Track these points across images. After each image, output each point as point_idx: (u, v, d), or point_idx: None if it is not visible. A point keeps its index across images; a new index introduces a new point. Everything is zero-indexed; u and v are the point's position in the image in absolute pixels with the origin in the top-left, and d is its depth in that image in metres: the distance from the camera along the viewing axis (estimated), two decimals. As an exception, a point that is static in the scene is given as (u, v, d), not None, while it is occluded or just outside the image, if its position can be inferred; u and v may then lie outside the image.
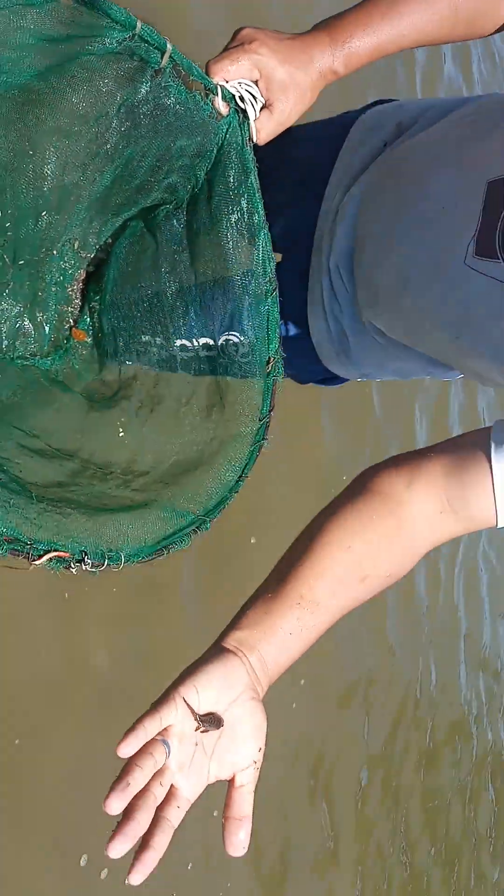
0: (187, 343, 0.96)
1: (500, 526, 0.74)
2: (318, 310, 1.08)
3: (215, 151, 0.84)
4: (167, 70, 0.74)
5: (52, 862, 1.46)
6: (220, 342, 0.90)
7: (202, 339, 0.95)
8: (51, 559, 0.63)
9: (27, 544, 0.62)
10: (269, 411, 0.85)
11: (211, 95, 0.78)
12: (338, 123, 1.07)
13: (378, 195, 0.97)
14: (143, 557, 0.70)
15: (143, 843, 0.56)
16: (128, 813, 0.56)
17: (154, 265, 0.97)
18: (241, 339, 0.85)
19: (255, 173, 0.83)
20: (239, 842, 0.60)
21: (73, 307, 1.15)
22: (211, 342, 0.92)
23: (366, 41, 0.80)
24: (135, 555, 0.69)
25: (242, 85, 0.80)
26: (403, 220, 0.91)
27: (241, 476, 0.82)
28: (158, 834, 0.57)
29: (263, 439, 0.84)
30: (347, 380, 1.19)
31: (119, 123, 0.80)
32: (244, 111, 0.81)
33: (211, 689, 0.62)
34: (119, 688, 1.60)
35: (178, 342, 0.95)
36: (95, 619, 1.60)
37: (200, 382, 0.92)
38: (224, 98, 0.79)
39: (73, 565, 0.64)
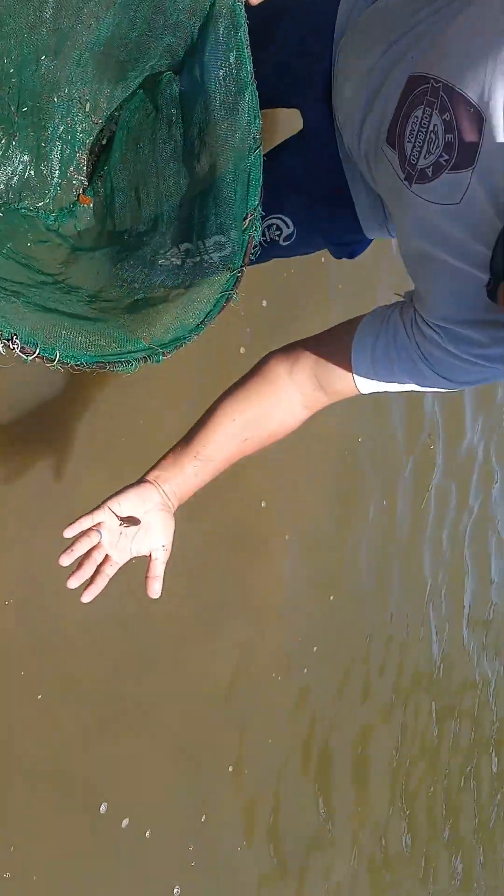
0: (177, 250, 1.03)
1: (363, 392, 0.99)
2: (357, 186, 1.12)
3: (208, 8, 0.87)
4: None
5: (73, 811, 1.52)
6: (199, 200, 0.96)
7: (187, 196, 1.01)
8: None
9: None
10: (242, 265, 0.90)
11: None
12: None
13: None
14: (80, 363, 0.76)
15: (90, 582, 0.90)
16: (78, 566, 0.90)
17: (153, 130, 1.02)
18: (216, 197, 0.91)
19: (245, 29, 0.86)
20: (154, 591, 0.94)
21: (84, 176, 1.21)
22: (195, 198, 0.97)
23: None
24: (71, 357, 0.75)
25: None
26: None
27: (202, 321, 0.88)
28: (99, 578, 0.91)
29: (232, 290, 0.89)
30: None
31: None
32: (237, -36, 0.84)
33: (130, 502, 0.93)
34: (121, 650, 1.63)
35: (169, 203, 1.01)
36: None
37: (181, 238, 0.97)
38: None
39: (1, 343, 0.70)
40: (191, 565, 1.80)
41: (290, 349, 1.02)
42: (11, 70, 0.94)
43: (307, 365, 0.99)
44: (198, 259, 0.93)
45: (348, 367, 0.96)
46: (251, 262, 0.93)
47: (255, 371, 1.02)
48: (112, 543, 0.91)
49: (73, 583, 0.88)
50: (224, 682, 1.92)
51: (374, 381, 0.98)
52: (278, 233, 1.17)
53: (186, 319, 0.88)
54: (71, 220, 1.18)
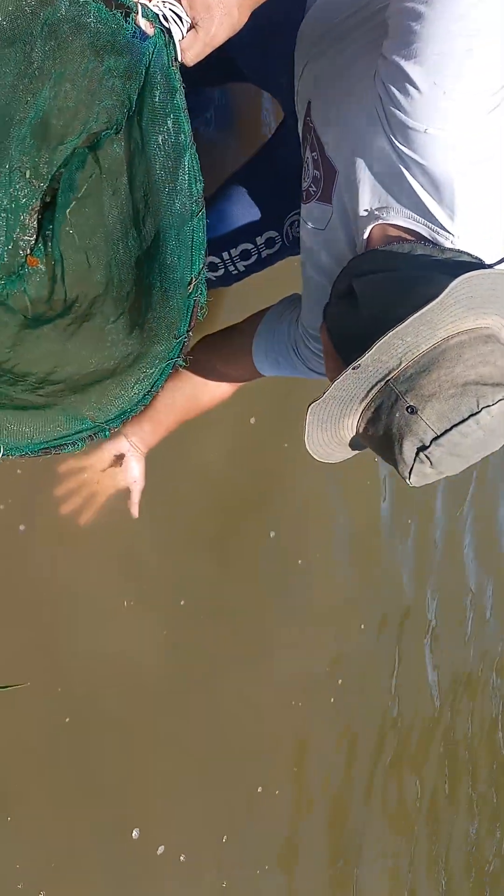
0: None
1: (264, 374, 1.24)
2: None
3: (143, 73, 0.88)
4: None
5: (106, 837, 1.53)
6: (146, 266, 0.97)
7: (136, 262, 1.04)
8: None
9: None
10: (187, 331, 0.90)
11: (132, 14, 0.82)
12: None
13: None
14: (28, 452, 0.76)
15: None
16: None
17: (98, 191, 1.02)
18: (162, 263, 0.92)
19: (182, 93, 0.87)
20: (134, 513, 1.28)
21: (29, 236, 1.21)
22: (142, 264, 0.98)
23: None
24: (16, 449, 0.75)
25: (166, 4, 0.83)
26: None
27: (149, 391, 0.87)
28: (90, 506, 1.25)
29: (177, 357, 0.88)
30: None
31: (43, 43, 0.85)
32: (168, 31, 0.84)
33: (108, 452, 1.27)
34: (151, 677, 1.65)
35: (116, 266, 1.01)
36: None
37: (131, 304, 0.97)
38: (146, 17, 0.82)
39: None
40: (209, 595, 1.78)
41: (209, 338, 1.30)
42: None
43: (220, 353, 1.26)
44: (145, 327, 0.92)
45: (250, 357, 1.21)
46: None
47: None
48: (98, 481, 1.24)
49: (66, 509, 1.22)
50: (252, 709, 1.94)
51: (269, 369, 1.21)
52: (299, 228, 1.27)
53: (132, 391, 0.87)
54: (20, 285, 1.17)
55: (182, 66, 0.87)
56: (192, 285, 0.90)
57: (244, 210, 1.32)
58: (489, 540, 3.30)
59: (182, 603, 1.73)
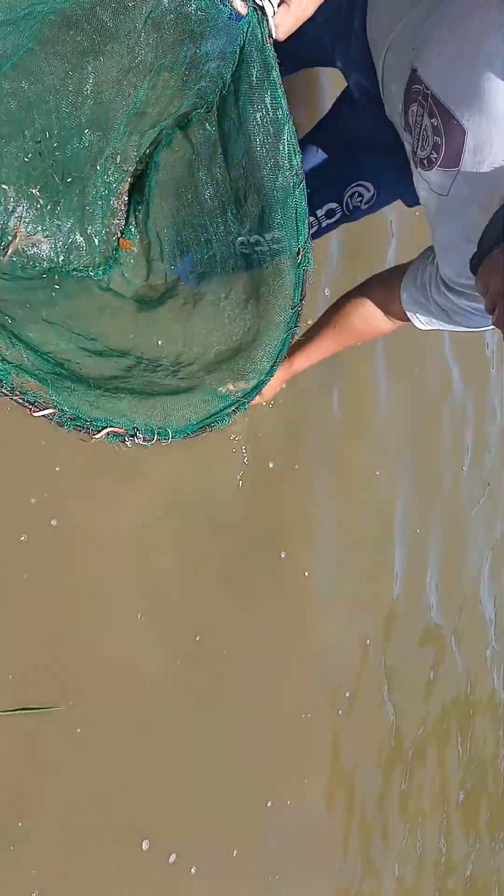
0: (225, 242, 1.11)
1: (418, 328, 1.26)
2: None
3: (238, 52, 0.92)
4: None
5: (117, 849, 1.56)
6: (251, 240, 1.01)
7: (239, 237, 1.08)
8: (108, 433, 0.77)
9: (87, 421, 0.76)
10: (301, 300, 0.95)
11: (229, -3, 0.85)
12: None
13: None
14: (189, 433, 0.84)
15: None
16: None
17: (191, 169, 1.07)
18: (269, 236, 0.97)
19: (277, 69, 0.91)
20: None
21: (119, 219, 1.27)
22: (246, 240, 1.03)
23: None
24: (181, 431, 0.83)
25: None
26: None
27: (274, 362, 0.94)
28: None
29: (295, 326, 0.94)
30: None
31: (147, 36, 0.89)
32: (262, 8, 0.88)
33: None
34: (163, 691, 1.68)
35: (218, 242, 1.06)
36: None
37: (237, 279, 1.02)
38: (242, -4, 0.86)
39: (127, 439, 0.78)
40: (219, 616, 1.84)
41: (363, 285, 1.33)
42: (55, 144, 1.00)
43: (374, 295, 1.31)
44: (259, 301, 0.98)
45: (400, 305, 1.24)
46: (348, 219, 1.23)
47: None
48: None
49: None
50: (262, 723, 1.98)
51: (419, 318, 1.23)
52: (360, 198, 1.34)
53: (261, 364, 0.93)
54: (117, 268, 1.23)
55: (274, 42, 0.91)
56: (300, 255, 0.95)
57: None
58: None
59: (194, 624, 1.74)
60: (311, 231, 1.36)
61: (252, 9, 0.88)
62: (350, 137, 1.30)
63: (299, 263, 0.95)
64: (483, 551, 3.23)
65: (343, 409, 2.35)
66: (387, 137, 1.15)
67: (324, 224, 1.40)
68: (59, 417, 0.76)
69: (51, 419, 0.76)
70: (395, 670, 2.55)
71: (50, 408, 0.75)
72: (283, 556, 2.06)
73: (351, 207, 1.37)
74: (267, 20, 0.89)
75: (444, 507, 2.91)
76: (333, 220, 1.40)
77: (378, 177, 1.32)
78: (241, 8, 0.88)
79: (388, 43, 1.01)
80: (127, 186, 1.24)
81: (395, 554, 2.59)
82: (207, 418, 0.88)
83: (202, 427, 0.87)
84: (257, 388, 0.93)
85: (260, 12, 0.89)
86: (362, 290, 1.33)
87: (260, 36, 0.90)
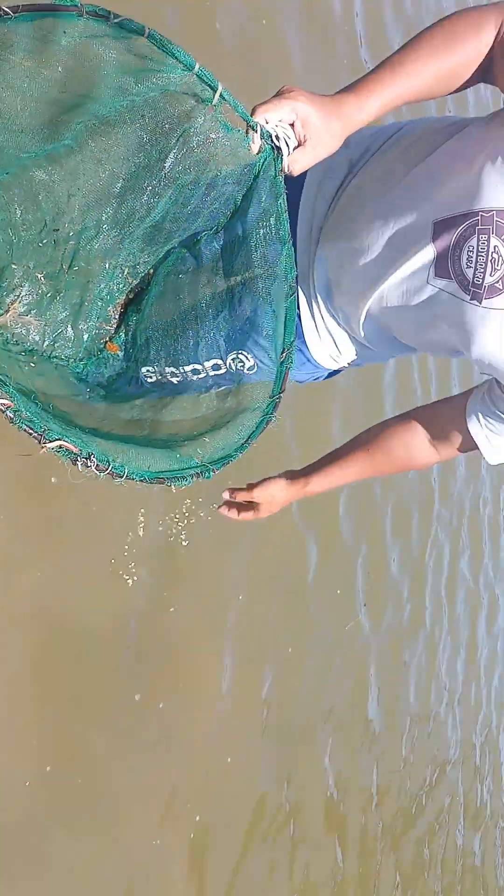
0: (218, 362, 1.18)
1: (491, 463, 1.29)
2: (313, 335, 1.31)
3: (252, 179, 1.05)
4: (218, 107, 0.97)
5: None
6: (228, 361, 1.10)
7: (231, 354, 1.16)
8: (60, 447, 0.77)
9: (42, 428, 0.76)
10: (280, 392, 1.01)
11: (251, 132, 1.00)
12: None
13: (337, 242, 1.21)
14: (146, 478, 0.85)
15: None
16: None
17: (192, 279, 1.17)
18: (248, 356, 1.05)
19: (284, 197, 1.04)
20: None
21: (111, 326, 1.35)
22: (236, 355, 1.12)
23: (382, 97, 1.04)
24: (138, 473, 0.84)
25: (279, 126, 1.02)
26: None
27: (247, 440, 0.97)
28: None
29: (272, 414, 0.99)
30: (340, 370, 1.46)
31: (177, 152, 1.02)
32: (279, 148, 1.03)
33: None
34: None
35: (203, 363, 1.15)
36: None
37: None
38: (262, 136, 1.01)
39: (79, 461, 0.78)
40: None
41: (407, 413, 1.38)
42: (70, 233, 1.10)
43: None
44: (240, 391, 1.04)
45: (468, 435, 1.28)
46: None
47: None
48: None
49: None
50: (115, 850, 1.93)
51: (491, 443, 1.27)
52: (241, 364, 1.30)
53: (233, 440, 0.96)
54: (99, 368, 1.29)
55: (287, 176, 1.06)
56: (284, 354, 1.02)
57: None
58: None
59: (45, 752, 1.72)
60: (199, 377, 1.31)
61: (269, 146, 1.03)
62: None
63: (282, 361, 1.03)
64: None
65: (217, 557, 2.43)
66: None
67: (210, 374, 1.33)
68: (14, 413, 0.75)
69: (3, 411, 0.75)
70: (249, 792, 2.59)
71: (5, 399, 0.75)
72: (137, 698, 2.06)
73: (234, 370, 1.32)
74: (282, 157, 1.04)
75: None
76: (219, 373, 1.34)
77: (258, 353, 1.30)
78: (254, 146, 1.03)
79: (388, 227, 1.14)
80: (124, 299, 1.34)
81: (261, 694, 2.57)
82: (168, 471, 0.89)
83: (159, 477, 0.88)
84: (224, 461, 0.96)
85: (276, 150, 1.04)
86: (407, 416, 1.36)
87: (274, 169, 1.04)
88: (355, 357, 1.37)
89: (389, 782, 3.49)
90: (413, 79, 1.05)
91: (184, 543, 2.23)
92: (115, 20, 0.88)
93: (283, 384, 1.02)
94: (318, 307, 1.29)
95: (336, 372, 1.45)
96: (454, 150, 1.10)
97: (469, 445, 1.31)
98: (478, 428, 1.27)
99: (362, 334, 1.28)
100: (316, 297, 1.29)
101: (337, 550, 3.16)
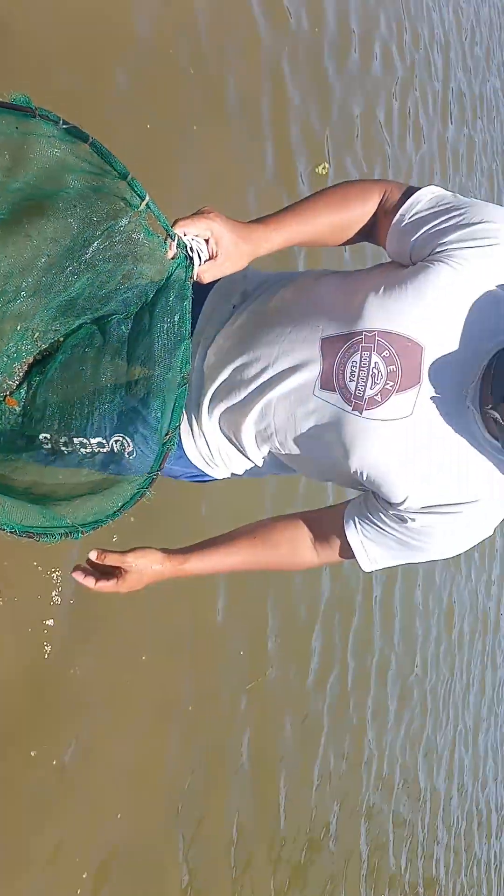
0: (103, 441, 1.27)
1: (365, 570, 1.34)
2: (189, 441, 1.42)
3: (164, 280, 1.19)
4: (143, 213, 1.10)
5: None
6: (111, 442, 1.20)
7: (115, 436, 1.25)
8: None
9: None
10: (158, 469, 1.11)
11: (169, 240, 1.14)
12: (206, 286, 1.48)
13: (230, 353, 1.36)
14: (14, 531, 0.92)
15: None
16: None
17: (97, 355, 1.27)
18: (129, 441, 1.15)
19: (190, 300, 1.17)
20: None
21: (14, 381, 1.43)
22: (119, 438, 1.22)
23: (284, 234, 1.21)
24: (7, 524, 0.91)
25: (195, 240, 1.17)
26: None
27: (120, 509, 1.06)
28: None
29: (147, 488, 1.09)
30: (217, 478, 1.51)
31: (100, 243, 1.15)
32: (191, 258, 1.17)
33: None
34: None
35: (90, 438, 1.24)
36: None
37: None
38: (178, 245, 1.15)
39: None
40: None
41: (295, 514, 1.41)
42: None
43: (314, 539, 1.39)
44: (121, 461, 1.13)
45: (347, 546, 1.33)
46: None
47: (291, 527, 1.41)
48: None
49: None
50: None
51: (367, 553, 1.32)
52: (122, 447, 1.35)
53: (106, 507, 1.05)
54: (-6, 416, 1.36)
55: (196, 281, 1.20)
56: (168, 436, 1.13)
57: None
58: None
59: None
60: (85, 450, 1.33)
61: (183, 254, 1.17)
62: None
63: (164, 442, 1.14)
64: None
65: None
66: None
67: (95, 450, 1.36)
68: None
69: None
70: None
71: None
72: (33, 754, 2.04)
73: (115, 451, 1.35)
74: (193, 266, 1.18)
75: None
76: (104, 451, 1.37)
77: (139, 441, 1.31)
78: (170, 253, 1.16)
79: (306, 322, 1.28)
80: (31, 359, 1.42)
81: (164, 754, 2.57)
82: (38, 527, 0.96)
83: (29, 531, 0.94)
84: (95, 524, 1.03)
85: (189, 259, 1.18)
86: (293, 516, 1.39)
87: (184, 275, 1.18)
88: (231, 468, 1.45)
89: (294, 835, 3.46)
90: (309, 226, 1.23)
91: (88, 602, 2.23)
92: (64, 126, 1.01)
93: (161, 463, 1.13)
94: (200, 409, 1.38)
95: (210, 478, 1.52)
96: (341, 284, 1.28)
97: (349, 552, 1.34)
98: (353, 533, 1.31)
99: (244, 444, 1.37)
100: (200, 400, 1.38)
101: (245, 609, 3.21)
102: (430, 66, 5.37)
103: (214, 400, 1.36)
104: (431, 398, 1.14)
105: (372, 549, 1.31)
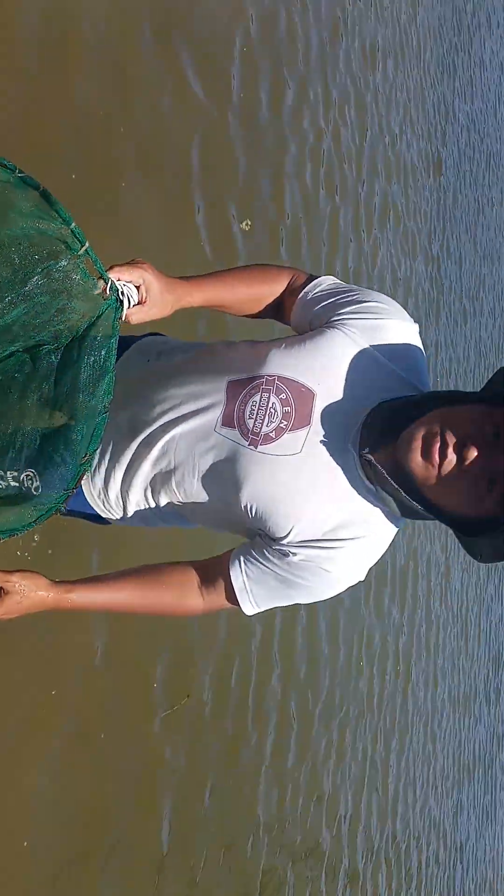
0: (15, 473, 1.35)
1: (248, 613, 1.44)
2: (86, 482, 1.53)
3: (96, 318, 1.31)
4: (81, 257, 1.24)
5: None
6: (22, 476, 1.29)
7: (27, 471, 1.34)
8: None
9: None
10: (74, 486, 1.21)
11: (103, 282, 1.28)
12: (128, 341, 1.63)
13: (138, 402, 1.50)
14: None
15: None
16: None
17: (25, 380, 1.37)
18: (37, 477, 1.25)
19: (117, 337, 1.30)
20: None
21: None
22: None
23: (203, 295, 1.38)
24: None
25: (126, 286, 1.31)
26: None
27: (35, 520, 1.16)
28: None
29: (62, 504, 1.19)
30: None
31: (38, 279, 1.27)
32: (121, 301, 1.31)
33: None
34: None
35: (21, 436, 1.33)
36: None
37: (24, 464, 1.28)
38: (111, 288, 1.29)
39: None
40: None
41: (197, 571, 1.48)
42: None
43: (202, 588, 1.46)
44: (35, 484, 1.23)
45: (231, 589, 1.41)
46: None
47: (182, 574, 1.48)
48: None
49: None
50: None
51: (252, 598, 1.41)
52: (31, 482, 1.40)
53: (24, 518, 1.14)
54: None
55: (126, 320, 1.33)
56: (85, 458, 1.24)
57: None
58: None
59: None
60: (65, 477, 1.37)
61: (114, 297, 1.31)
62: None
63: (82, 464, 1.24)
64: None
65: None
66: None
67: (11, 483, 1.39)
68: None
69: None
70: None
71: None
72: None
73: (24, 487, 1.38)
74: (122, 308, 1.32)
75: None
76: (16, 485, 1.42)
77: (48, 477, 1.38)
78: (104, 294, 1.30)
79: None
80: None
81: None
82: None
83: None
84: (12, 532, 1.12)
85: (119, 302, 1.32)
86: (184, 562, 1.47)
87: (114, 315, 1.31)
88: (126, 512, 1.55)
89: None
90: (227, 293, 1.43)
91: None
92: (20, 174, 1.14)
93: (77, 481, 1.23)
94: (106, 449, 1.51)
95: (105, 521, 1.62)
96: (250, 346, 1.48)
97: (234, 597, 1.41)
98: (237, 573, 1.40)
99: (142, 485, 1.49)
100: (109, 439, 1.50)
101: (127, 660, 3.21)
102: (349, 130, 5.81)
103: (123, 435, 1.48)
104: (319, 440, 1.31)
105: (254, 588, 1.40)
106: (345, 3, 5.79)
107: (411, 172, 7.40)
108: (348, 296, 1.39)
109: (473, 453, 1.15)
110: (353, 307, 1.37)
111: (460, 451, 1.16)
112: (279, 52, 4.68)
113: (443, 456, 1.17)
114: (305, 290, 1.45)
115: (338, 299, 1.40)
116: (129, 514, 1.53)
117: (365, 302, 1.37)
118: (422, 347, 1.37)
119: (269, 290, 1.49)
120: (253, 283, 1.49)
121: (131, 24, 3.33)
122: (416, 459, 1.19)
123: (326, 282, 1.46)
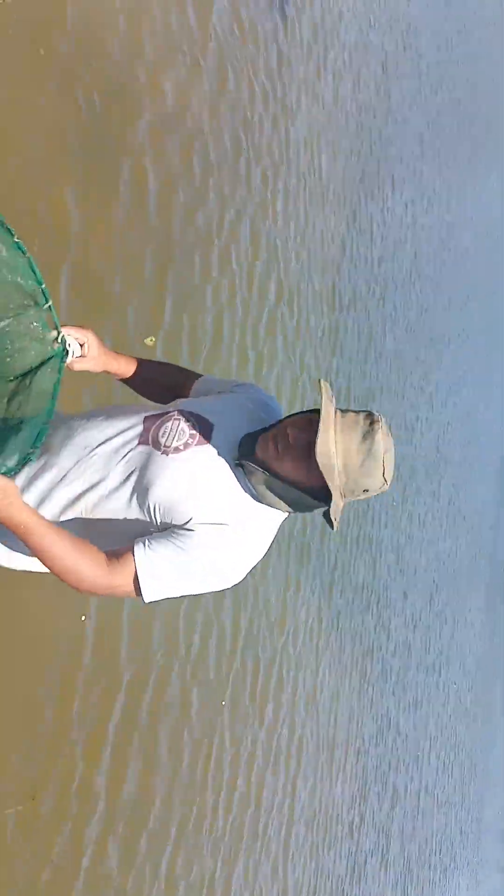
0: None
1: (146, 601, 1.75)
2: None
3: (47, 358, 1.73)
4: (44, 312, 1.68)
5: None
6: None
7: None
8: None
9: None
10: (18, 468, 1.54)
11: (56, 333, 1.71)
12: None
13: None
14: None
15: None
16: None
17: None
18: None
19: (61, 375, 1.71)
20: None
21: None
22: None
23: (125, 368, 2.01)
24: None
25: (75, 339, 1.75)
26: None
27: None
28: None
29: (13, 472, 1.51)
30: None
31: (10, 321, 1.69)
32: (68, 350, 1.74)
33: None
34: None
35: None
36: None
37: None
38: (61, 340, 1.73)
39: None
40: None
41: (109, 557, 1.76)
42: None
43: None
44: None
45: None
46: None
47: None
48: None
49: None
50: None
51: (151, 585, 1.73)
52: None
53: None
54: None
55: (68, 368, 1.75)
56: (31, 451, 1.59)
57: None
58: None
59: None
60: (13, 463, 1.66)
61: (62, 347, 1.74)
62: None
63: (28, 453, 1.58)
64: None
65: None
66: None
67: None
68: None
69: None
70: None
71: None
72: None
73: None
74: (67, 356, 1.75)
75: None
76: None
77: None
78: (55, 343, 1.73)
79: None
80: None
81: None
82: None
83: None
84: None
85: (66, 351, 1.75)
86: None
87: (60, 361, 1.73)
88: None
89: None
90: (141, 373, 2.04)
91: None
92: (17, 241, 1.61)
93: (22, 467, 1.57)
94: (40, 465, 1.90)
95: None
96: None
97: (136, 579, 1.70)
98: (141, 553, 1.71)
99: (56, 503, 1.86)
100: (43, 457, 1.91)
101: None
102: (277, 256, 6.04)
103: (58, 453, 1.84)
104: (215, 452, 1.78)
105: (155, 561, 1.71)
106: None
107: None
108: (232, 380, 1.99)
109: (294, 432, 1.74)
110: (236, 384, 1.97)
111: (286, 434, 1.74)
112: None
113: (276, 440, 1.75)
114: (204, 376, 2.04)
115: (226, 380, 1.98)
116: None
117: (241, 384, 2.04)
118: (274, 398, 2.04)
119: (174, 380, 2.11)
120: (166, 373, 2.13)
121: None
122: (262, 445, 1.76)
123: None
